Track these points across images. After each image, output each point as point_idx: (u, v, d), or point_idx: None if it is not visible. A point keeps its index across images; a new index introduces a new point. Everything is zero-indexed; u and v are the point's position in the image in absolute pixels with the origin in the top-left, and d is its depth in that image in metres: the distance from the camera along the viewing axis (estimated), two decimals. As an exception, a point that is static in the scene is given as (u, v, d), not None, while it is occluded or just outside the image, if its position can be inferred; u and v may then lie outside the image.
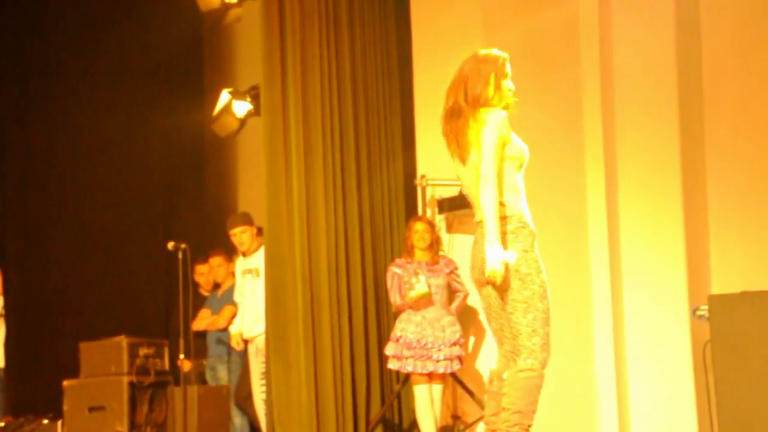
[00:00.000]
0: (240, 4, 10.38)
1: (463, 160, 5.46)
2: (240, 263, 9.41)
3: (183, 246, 9.12)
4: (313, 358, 8.45)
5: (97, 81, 11.51)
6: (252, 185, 11.14)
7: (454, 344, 8.16)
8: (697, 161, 8.30)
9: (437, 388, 8.24)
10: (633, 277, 8.14)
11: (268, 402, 8.56)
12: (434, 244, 8.43)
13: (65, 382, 9.34)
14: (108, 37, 11.50)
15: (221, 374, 9.97)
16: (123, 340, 9.10)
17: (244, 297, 9.31)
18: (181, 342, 9.09)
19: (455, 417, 8.70)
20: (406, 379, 8.37)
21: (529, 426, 5.33)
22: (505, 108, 5.49)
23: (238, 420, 9.64)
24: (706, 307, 6.35)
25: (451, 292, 8.42)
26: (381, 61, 9.31)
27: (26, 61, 11.32)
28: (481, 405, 8.20)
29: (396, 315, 8.41)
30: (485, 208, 5.26)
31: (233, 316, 9.58)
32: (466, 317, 8.50)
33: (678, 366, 7.92)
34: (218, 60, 12.46)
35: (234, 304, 9.58)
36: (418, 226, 8.41)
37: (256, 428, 9.43)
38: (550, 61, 8.52)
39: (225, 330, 9.76)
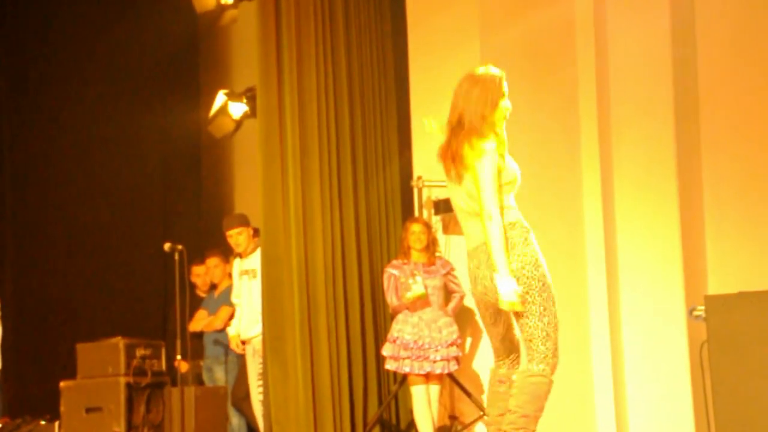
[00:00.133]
0: (236, 6, 10.40)
1: (459, 178, 5.45)
2: (237, 264, 9.41)
3: (179, 247, 9.13)
4: (310, 359, 8.45)
5: (93, 82, 11.51)
6: (248, 186, 11.15)
7: (451, 345, 8.16)
8: (693, 161, 8.32)
9: (434, 388, 8.24)
10: (630, 278, 8.16)
11: (266, 402, 8.56)
12: (431, 246, 8.43)
13: (62, 383, 9.33)
14: (104, 39, 11.50)
15: (218, 375, 9.97)
16: (120, 341, 9.10)
17: (241, 298, 9.31)
18: (178, 343, 9.10)
19: (452, 417, 8.71)
20: (403, 380, 8.38)
21: (534, 431, 5.35)
22: (499, 125, 5.48)
23: (235, 420, 9.65)
24: (702, 307, 6.35)
25: (448, 293, 8.43)
26: (377, 62, 9.31)
27: (22, 63, 11.33)
28: (478, 405, 8.22)
29: (393, 316, 8.41)
30: (492, 242, 5.26)
31: (230, 317, 9.58)
32: (463, 318, 8.51)
33: (675, 366, 7.93)
34: (214, 61, 12.46)
35: (231, 305, 9.59)
36: (415, 228, 8.41)
37: (254, 429, 9.44)
38: (547, 61, 8.54)
39: (222, 331, 9.76)
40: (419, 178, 8.92)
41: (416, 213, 8.89)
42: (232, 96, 10.96)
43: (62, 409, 9.29)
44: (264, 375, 8.59)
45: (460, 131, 5.39)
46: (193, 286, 10.33)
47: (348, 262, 8.78)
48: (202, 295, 10.41)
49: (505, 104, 5.46)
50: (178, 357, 9.21)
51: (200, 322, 10.06)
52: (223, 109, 10.99)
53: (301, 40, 8.81)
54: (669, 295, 7.96)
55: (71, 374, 9.33)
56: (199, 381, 10.06)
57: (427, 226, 8.52)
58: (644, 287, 8.11)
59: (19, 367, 10.70)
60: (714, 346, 6.18)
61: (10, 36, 11.27)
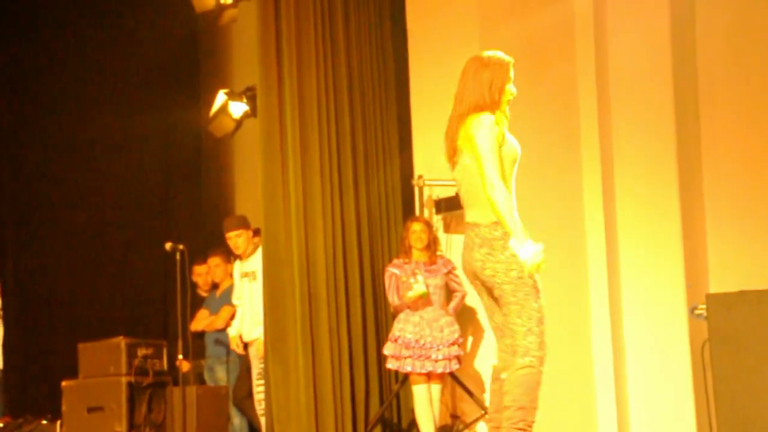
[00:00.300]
0: (235, 5, 10.38)
1: (460, 156, 5.50)
2: (237, 267, 9.40)
3: (180, 247, 9.12)
4: (311, 358, 8.45)
5: (93, 82, 11.51)
6: (249, 186, 11.15)
7: (453, 344, 8.17)
8: (693, 159, 8.32)
9: (436, 387, 8.24)
10: (631, 276, 8.16)
11: (267, 402, 8.56)
12: (432, 245, 8.43)
13: (64, 383, 9.34)
14: (103, 38, 11.50)
15: (220, 375, 9.97)
16: (121, 341, 9.10)
17: (242, 300, 9.31)
18: (180, 342, 9.09)
19: (454, 416, 8.71)
20: (404, 379, 8.38)
21: (533, 422, 5.36)
22: (503, 108, 5.52)
23: (237, 420, 9.66)
24: (704, 306, 6.37)
25: (449, 292, 8.43)
26: (377, 60, 9.30)
27: (21, 62, 11.32)
28: (480, 404, 8.22)
29: (394, 315, 8.42)
30: (500, 211, 5.29)
31: (231, 317, 9.59)
32: (464, 317, 8.51)
33: (676, 365, 7.94)
34: (214, 61, 12.46)
35: (232, 304, 9.59)
36: (416, 227, 8.41)
37: (255, 428, 9.44)
38: (546, 59, 8.53)
39: (223, 330, 9.76)
40: (420, 176, 8.92)
41: (417, 212, 8.89)
42: (233, 95, 10.95)
43: (64, 408, 9.29)
44: (265, 374, 8.59)
45: (463, 113, 5.45)
46: (194, 286, 10.33)
47: (349, 261, 8.78)
48: (204, 294, 10.41)
49: (511, 88, 5.53)
50: (180, 356, 9.20)
51: (202, 321, 10.06)
52: (223, 109, 10.98)
53: (301, 39, 8.81)
54: (670, 294, 7.96)
55: (73, 374, 9.34)
56: (200, 380, 10.06)
57: (428, 225, 8.52)
58: (645, 286, 8.11)
59: (21, 366, 10.70)
60: (715, 344, 6.19)
61: (7, 36, 11.25)
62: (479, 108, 5.44)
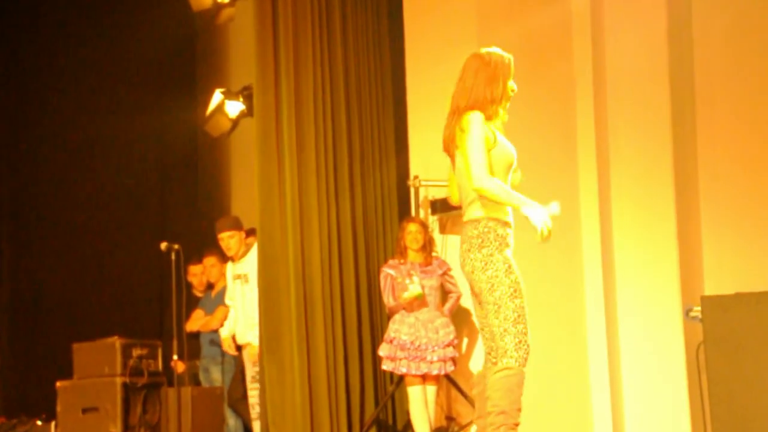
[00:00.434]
0: (232, 4, 10.37)
1: (454, 165, 5.53)
2: (230, 268, 9.35)
3: (176, 247, 9.11)
4: (306, 359, 8.44)
5: (89, 81, 11.50)
6: (245, 185, 11.14)
7: (448, 345, 8.16)
8: (689, 161, 8.30)
9: (431, 389, 8.24)
10: (626, 278, 8.14)
11: (262, 403, 8.54)
12: (427, 245, 8.42)
13: (58, 383, 9.32)
14: (100, 37, 11.50)
15: (215, 375, 9.96)
16: (116, 341, 9.08)
17: (234, 301, 9.27)
18: (175, 343, 9.09)
19: (449, 418, 8.70)
20: (400, 380, 8.37)
21: (516, 424, 5.34)
22: (503, 105, 5.52)
23: (231, 421, 9.63)
24: (699, 308, 6.35)
25: (445, 293, 8.42)
26: (374, 60, 9.30)
27: (17, 61, 11.31)
28: (474, 406, 8.20)
29: (389, 316, 8.40)
30: (497, 195, 5.31)
31: (226, 318, 9.56)
32: (460, 318, 8.50)
33: (671, 367, 7.92)
34: (211, 60, 12.45)
35: (227, 305, 9.57)
36: (411, 227, 8.40)
37: (250, 429, 9.42)
38: (544, 60, 8.52)
39: (218, 331, 9.74)
40: (416, 177, 8.91)
41: (413, 213, 8.89)
42: (229, 95, 10.93)
43: (58, 409, 9.28)
44: (260, 375, 8.57)
45: (463, 106, 5.45)
46: (189, 286, 10.31)
47: (344, 261, 8.78)
48: (199, 294, 10.39)
49: (512, 85, 5.56)
50: (175, 357, 9.19)
51: (197, 322, 10.04)
52: (219, 108, 10.96)
53: (298, 38, 8.80)
54: (665, 296, 7.94)
55: (68, 374, 9.32)
56: (195, 381, 10.05)
57: (424, 225, 8.51)
58: (641, 288, 8.09)
59: (16, 366, 10.70)
60: (710, 346, 6.18)
61: (4, 35, 11.24)
62: (478, 105, 5.43)
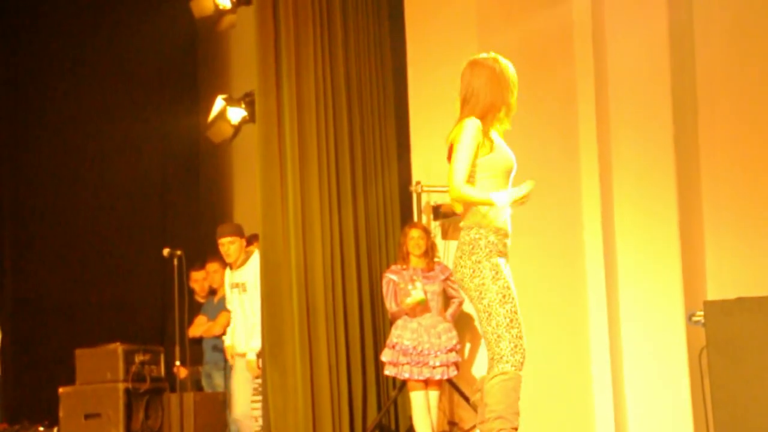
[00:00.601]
0: (234, 11, 10.36)
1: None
2: (228, 276, 9.26)
3: (178, 252, 9.10)
4: (309, 365, 8.43)
5: (91, 87, 11.52)
6: (247, 192, 11.14)
7: (451, 351, 8.15)
8: (691, 164, 8.31)
9: (434, 394, 8.22)
10: (629, 283, 8.15)
11: (265, 408, 8.52)
12: (429, 251, 8.41)
13: (61, 389, 9.32)
14: (102, 44, 11.52)
15: (217, 381, 9.95)
16: (119, 347, 9.09)
17: (233, 310, 9.17)
18: (177, 349, 9.08)
19: (452, 423, 8.69)
20: (402, 386, 8.36)
21: (515, 429, 5.33)
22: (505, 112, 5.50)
23: (234, 427, 9.61)
24: (701, 312, 6.36)
25: (447, 299, 8.41)
26: (375, 66, 9.29)
27: (20, 67, 11.33)
28: (477, 411, 8.20)
29: (392, 322, 8.39)
30: (471, 198, 5.31)
31: (229, 323, 9.54)
32: (462, 323, 8.49)
33: (674, 372, 7.92)
34: (212, 66, 12.45)
35: (229, 311, 9.56)
36: (414, 233, 8.39)
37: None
38: (545, 62, 8.53)
39: (221, 337, 9.73)
40: (418, 183, 8.90)
41: (415, 218, 8.87)
42: (231, 101, 10.93)
43: (61, 414, 9.29)
44: (263, 381, 8.54)
45: (462, 115, 5.46)
46: (192, 292, 10.31)
47: (347, 267, 8.77)
48: (201, 300, 10.39)
49: (515, 99, 5.53)
50: (177, 363, 9.19)
51: (199, 327, 10.04)
52: (221, 115, 10.96)
53: (300, 44, 8.80)
54: (668, 301, 7.95)
55: (70, 380, 9.33)
56: (198, 387, 10.05)
57: (426, 231, 8.50)
58: (643, 292, 8.10)
59: (18, 372, 10.70)
60: (713, 351, 6.18)
61: (7, 41, 11.26)
62: (477, 111, 5.42)
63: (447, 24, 8.82)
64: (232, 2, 10.19)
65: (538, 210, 8.02)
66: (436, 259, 8.50)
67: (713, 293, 7.81)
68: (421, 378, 8.11)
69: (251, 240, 9.26)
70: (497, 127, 5.49)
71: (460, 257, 5.40)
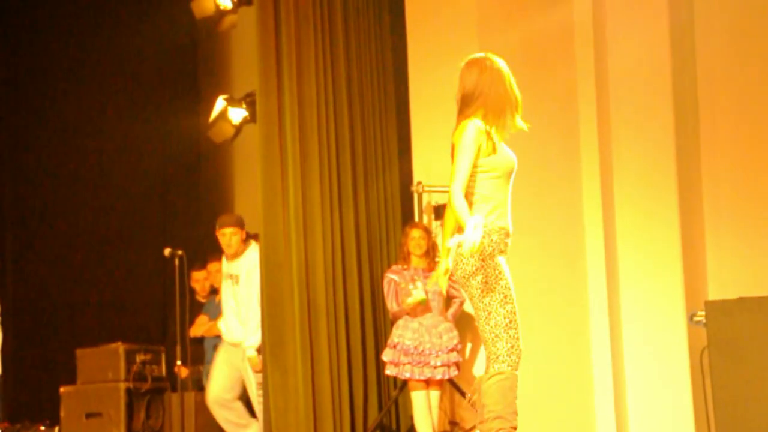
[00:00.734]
0: (235, 11, 10.37)
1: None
2: (223, 266, 9.21)
3: (179, 252, 9.11)
4: (310, 364, 8.44)
5: (92, 87, 11.51)
6: (248, 191, 11.13)
7: (452, 350, 8.15)
8: (692, 166, 8.32)
9: (435, 394, 8.23)
10: (630, 283, 8.15)
11: (265, 408, 8.54)
12: (430, 251, 8.42)
13: (62, 389, 9.33)
14: (103, 44, 11.51)
15: (218, 381, 9.94)
16: (120, 347, 9.10)
17: (226, 297, 9.12)
18: (178, 348, 9.09)
19: (453, 423, 8.69)
20: (403, 386, 8.37)
21: (513, 428, 5.34)
22: (513, 110, 5.49)
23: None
24: (703, 312, 6.37)
25: (448, 299, 8.42)
26: (376, 66, 9.30)
27: (20, 68, 11.33)
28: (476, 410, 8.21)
29: (393, 321, 8.40)
30: (455, 208, 5.30)
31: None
32: (463, 323, 8.50)
33: (675, 372, 7.93)
34: (213, 67, 12.45)
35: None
36: (415, 233, 8.40)
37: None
38: (545, 63, 8.54)
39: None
40: (419, 183, 8.91)
41: (416, 218, 8.88)
42: (232, 101, 10.93)
43: (62, 414, 9.30)
44: (264, 380, 8.56)
45: (468, 113, 5.44)
46: (192, 292, 10.31)
47: (348, 267, 8.78)
48: (202, 300, 10.39)
49: (517, 94, 5.51)
50: (178, 362, 9.20)
51: (201, 327, 10.04)
52: (222, 115, 10.96)
53: (301, 44, 8.81)
54: (669, 301, 7.95)
55: (71, 379, 9.34)
56: (199, 386, 10.02)
57: (427, 231, 8.51)
58: (645, 293, 8.10)
59: (19, 372, 10.69)
60: (714, 351, 6.19)
61: (7, 40, 11.26)
62: (476, 111, 5.42)
63: (447, 24, 8.82)
64: (233, 2, 10.21)
65: (539, 210, 8.05)
66: (436, 259, 8.50)
67: (714, 293, 7.82)
68: (423, 378, 8.12)
69: (247, 237, 9.24)
70: (509, 127, 5.48)
71: (462, 255, 5.40)
